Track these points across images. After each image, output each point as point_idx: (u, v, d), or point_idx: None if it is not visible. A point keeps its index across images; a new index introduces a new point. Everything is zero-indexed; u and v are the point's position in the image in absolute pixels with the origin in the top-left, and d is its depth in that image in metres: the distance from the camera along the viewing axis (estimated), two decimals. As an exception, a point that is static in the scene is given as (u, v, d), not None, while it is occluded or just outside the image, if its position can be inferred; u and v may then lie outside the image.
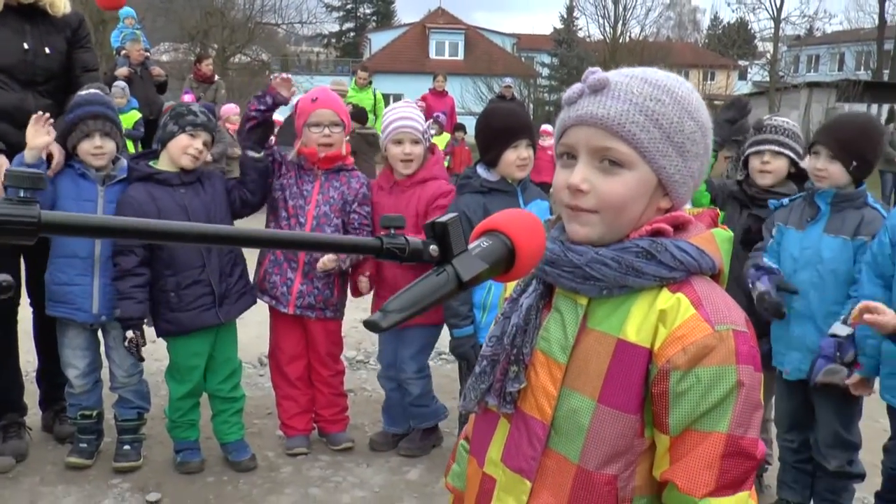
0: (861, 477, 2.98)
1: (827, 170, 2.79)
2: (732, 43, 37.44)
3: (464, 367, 3.37)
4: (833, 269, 2.79)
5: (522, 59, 37.85)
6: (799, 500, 3.10)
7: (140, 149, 8.59)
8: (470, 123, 16.63)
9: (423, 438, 3.60)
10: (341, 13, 48.73)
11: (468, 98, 28.44)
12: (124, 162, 3.22)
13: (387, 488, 3.29)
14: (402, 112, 3.38)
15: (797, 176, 3.11)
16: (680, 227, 1.21)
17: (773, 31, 32.50)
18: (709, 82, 38.58)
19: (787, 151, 3.05)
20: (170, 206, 3.04)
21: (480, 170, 3.21)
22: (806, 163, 2.98)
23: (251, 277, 3.42)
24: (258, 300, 3.42)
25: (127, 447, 3.36)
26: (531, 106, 30.05)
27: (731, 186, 3.23)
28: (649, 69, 1.24)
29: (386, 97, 12.97)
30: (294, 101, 3.65)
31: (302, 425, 3.58)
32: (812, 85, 31.30)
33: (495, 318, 1.36)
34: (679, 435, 1.15)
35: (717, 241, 1.23)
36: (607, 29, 31.64)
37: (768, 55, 33.43)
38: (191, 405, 3.33)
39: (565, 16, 36.79)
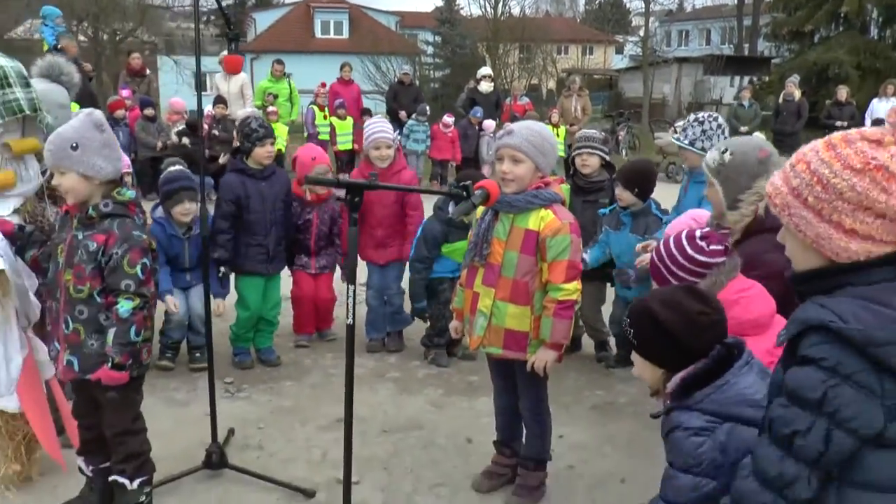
0: None
1: (621, 196, 4.89)
2: (608, 19, 40.25)
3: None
4: (636, 253, 4.88)
5: (406, 36, 39.52)
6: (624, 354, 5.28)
7: None
8: (364, 102, 18.21)
9: (398, 340, 5.66)
10: (219, -11, 48.97)
11: (356, 77, 29.95)
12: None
13: (378, 368, 5.27)
14: (379, 126, 5.28)
15: (607, 165, 5.27)
16: (547, 185, 3.22)
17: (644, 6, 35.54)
18: (588, 57, 41.53)
19: (597, 151, 5.19)
20: (253, 191, 4.94)
21: (451, 208, 5.12)
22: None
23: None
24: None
25: (198, 355, 5.17)
26: (418, 83, 31.77)
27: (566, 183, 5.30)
28: (533, 122, 3.26)
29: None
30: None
31: (309, 329, 5.66)
32: (681, 60, 34.58)
33: (472, 228, 3.35)
34: (550, 262, 3.17)
35: (562, 189, 3.26)
36: (488, 9, 33.52)
37: (642, 31, 36.43)
38: (251, 325, 5.24)
39: (446, -6, 38.51)
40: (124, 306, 2.97)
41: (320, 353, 5.56)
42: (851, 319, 1.54)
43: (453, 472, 3.89)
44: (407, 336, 5.74)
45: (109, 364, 2.98)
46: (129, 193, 3.04)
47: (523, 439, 3.63)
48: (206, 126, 11.92)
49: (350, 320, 2.57)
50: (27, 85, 3.27)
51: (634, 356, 2.31)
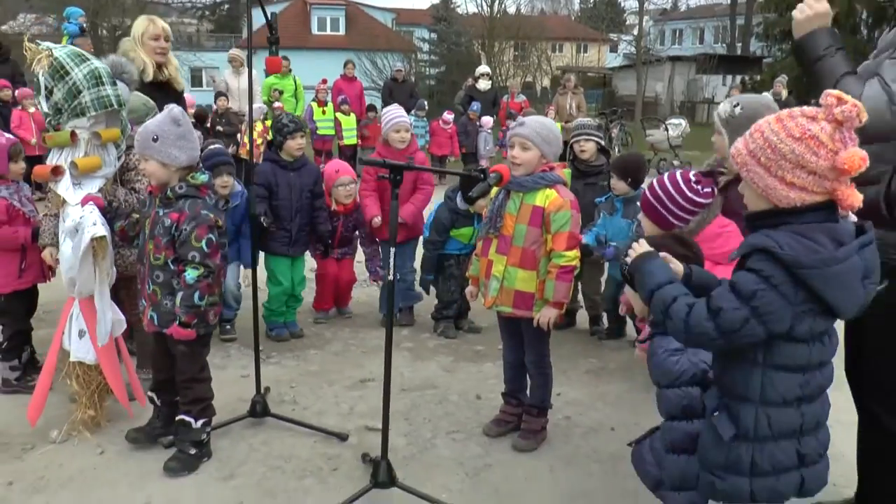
0: None
1: (616, 186, 5.47)
2: (603, 17, 40.94)
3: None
4: (628, 235, 5.48)
5: (402, 33, 40.13)
6: (614, 328, 5.92)
7: None
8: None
9: (409, 315, 6.27)
10: (214, -15, 49.52)
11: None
12: (238, 191, 5.52)
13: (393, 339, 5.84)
14: (397, 112, 5.90)
15: (602, 150, 5.90)
16: (552, 168, 3.84)
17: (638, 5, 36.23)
18: (582, 55, 42.23)
19: (593, 138, 5.81)
20: (281, 180, 5.51)
21: (459, 200, 5.73)
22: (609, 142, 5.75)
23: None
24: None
25: (228, 327, 5.77)
26: (413, 79, 32.41)
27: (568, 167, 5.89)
28: (541, 117, 3.88)
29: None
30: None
31: (327, 306, 6.27)
32: (674, 59, 35.31)
33: (488, 207, 3.96)
34: (554, 234, 3.79)
35: (564, 172, 3.87)
36: (484, 6, 34.21)
37: (636, 30, 37.12)
38: (283, 300, 5.82)
39: (442, -9, 39.15)
40: (190, 274, 3.59)
41: (339, 327, 6.16)
42: (786, 247, 2.12)
43: (466, 422, 4.50)
44: (416, 312, 6.36)
45: (178, 322, 3.60)
46: (202, 178, 3.66)
47: (527, 391, 4.24)
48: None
49: (392, 276, 3.18)
50: (114, 83, 3.86)
51: (628, 290, 2.88)
